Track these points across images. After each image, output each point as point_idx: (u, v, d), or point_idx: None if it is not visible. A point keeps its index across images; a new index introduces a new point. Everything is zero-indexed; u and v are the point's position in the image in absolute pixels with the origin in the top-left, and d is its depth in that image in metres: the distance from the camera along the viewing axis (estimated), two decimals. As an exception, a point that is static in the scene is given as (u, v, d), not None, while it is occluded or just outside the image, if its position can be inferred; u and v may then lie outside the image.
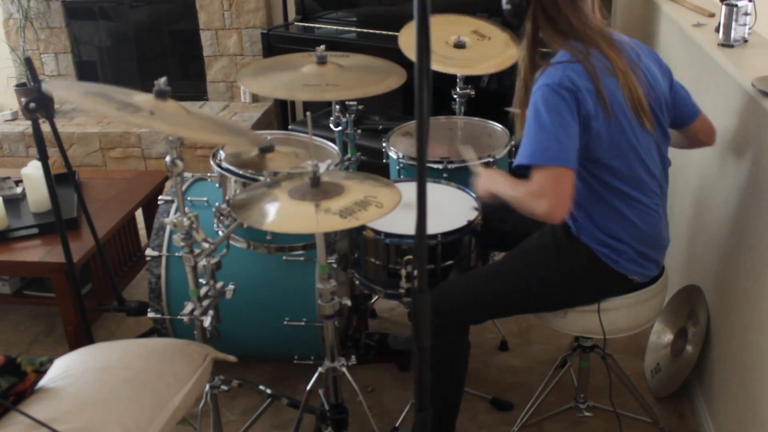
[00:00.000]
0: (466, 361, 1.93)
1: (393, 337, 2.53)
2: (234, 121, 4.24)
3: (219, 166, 2.08)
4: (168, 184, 3.10)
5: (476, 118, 2.60)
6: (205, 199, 2.29)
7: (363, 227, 1.94)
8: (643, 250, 1.81)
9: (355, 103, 2.36)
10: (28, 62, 2.21)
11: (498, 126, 2.52)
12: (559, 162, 1.63)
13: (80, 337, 2.51)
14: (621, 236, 1.79)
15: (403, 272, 1.89)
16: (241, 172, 2.03)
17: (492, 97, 3.05)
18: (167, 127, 1.50)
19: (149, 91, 1.62)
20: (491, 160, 2.30)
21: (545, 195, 1.63)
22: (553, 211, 1.64)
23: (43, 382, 1.53)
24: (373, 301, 2.71)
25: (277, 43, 3.80)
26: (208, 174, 2.38)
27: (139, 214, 3.10)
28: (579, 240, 1.83)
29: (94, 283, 2.77)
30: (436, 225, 1.92)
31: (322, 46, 2.13)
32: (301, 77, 2.08)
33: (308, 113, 1.73)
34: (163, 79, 1.62)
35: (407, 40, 2.34)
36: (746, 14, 2.11)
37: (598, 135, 1.68)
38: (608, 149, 1.70)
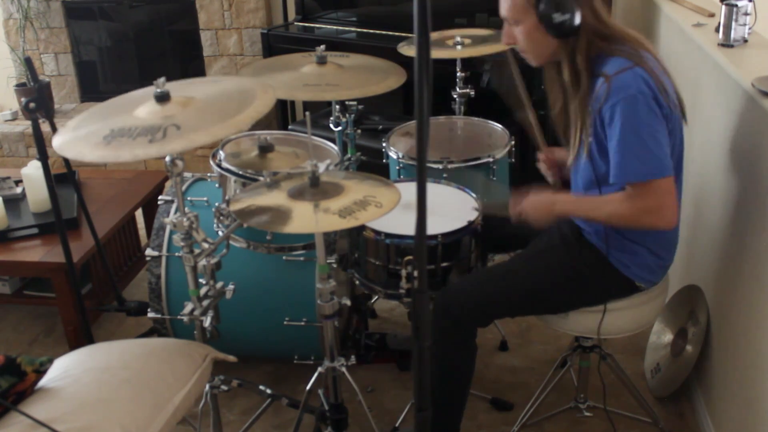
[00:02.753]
0: (472, 364, 1.93)
1: (392, 336, 2.54)
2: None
3: (219, 166, 2.08)
4: (168, 184, 3.10)
5: (476, 118, 2.60)
6: (205, 199, 2.29)
7: (363, 227, 1.94)
8: (660, 254, 1.81)
9: (355, 103, 2.36)
10: (28, 62, 2.21)
11: (498, 126, 2.52)
12: (661, 174, 1.62)
13: (80, 337, 2.51)
14: (642, 239, 1.78)
15: (403, 272, 1.89)
16: (241, 172, 2.03)
17: (492, 97, 3.05)
18: (203, 136, 1.49)
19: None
20: (491, 160, 2.30)
21: (658, 208, 1.64)
22: (668, 222, 1.65)
23: (43, 382, 1.53)
24: (373, 301, 2.71)
25: (277, 43, 3.80)
26: (208, 174, 2.38)
27: (139, 214, 3.10)
28: (589, 243, 1.83)
29: (94, 283, 2.76)
30: (436, 225, 1.92)
31: (322, 46, 2.13)
32: (301, 77, 2.08)
33: (307, 113, 1.73)
34: (161, 80, 1.62)
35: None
36: (746, 14, 2.11)
37: (673, 134, 1.68)
38: (673, 148, 1.70)
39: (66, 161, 2.51)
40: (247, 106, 1.58)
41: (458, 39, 2.47)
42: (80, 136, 1.57)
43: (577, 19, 1.63)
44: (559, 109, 1.84)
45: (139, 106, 1.62)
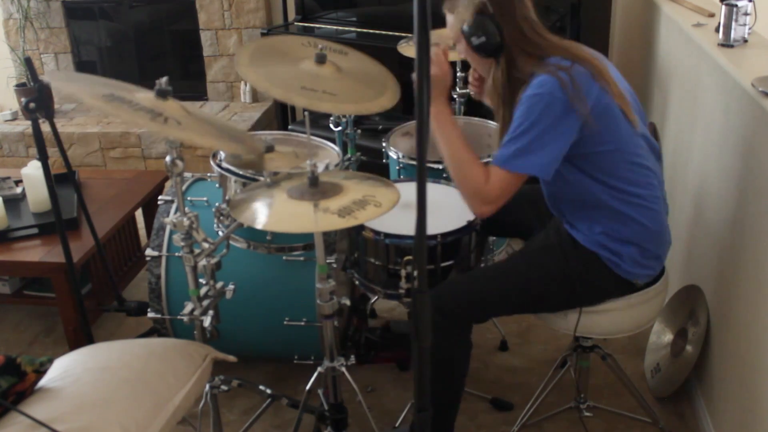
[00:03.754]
0: (467, 361, 1.93)
1: (395, 322, 2.53)
2: (233, 122, 4.25)
3: (219, 166, 2.08)
4: (168, 184, 3.10)
5: (476, 118, 2.60)
6: (205, 199, 2.29)
7: (363, 227, 1.94)
8: (647, 247, 1.82)
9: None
10: (28, 62, 2.21)
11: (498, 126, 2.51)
12: (522, 170, 1.70)
13: (80, 337, 2.51)
14: (627, 236, 1.79)
15: (403, 272, 1.89)
16: (241, 173, 2.03)
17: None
18: (204, 139, 1.49)
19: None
20: (491, 160, 2.29)
21: (495, 201, 1.73)
22: (484, 213, 1.76)
23: (43, 382, 1.53)
24: (373, 301, 2.71)
25: (277, 43, 3.80)
26: (208, 174, 2.38)
27: (139, 214, 3.09)
28: (582, 245, 1.83)
29: (94, 283, 2.76)
30: (436, 225, 1.92)
31: (321, 46, 2.12)
32: (298, 76, 2.06)
33: (306, 113, 1.73)
34: (164, 79, 1.62)
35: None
36: (746, 14, 2.11)
37: (589, 138, 1.70)
38: (600, 151, 1.73)
39: (66, 161, 2.51)
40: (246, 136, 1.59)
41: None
42: (79, 85, 1.55)
43: (497, 39, 1.71)
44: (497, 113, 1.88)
45: (140, 93, 1.62)
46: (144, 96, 1.60)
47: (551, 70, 1.67)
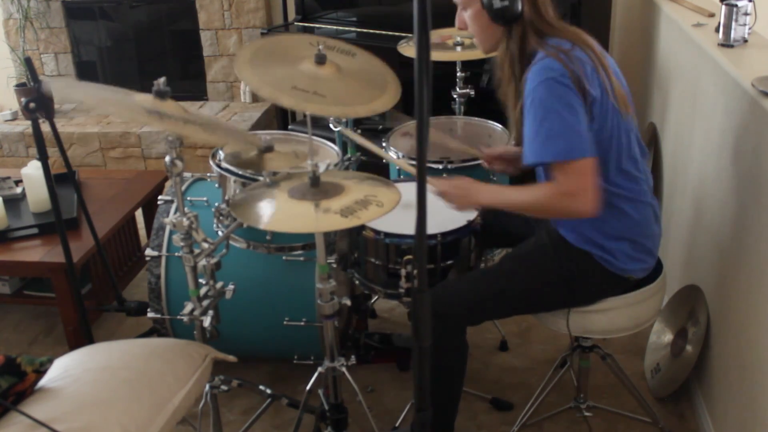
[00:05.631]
0: (464, 362, 1.93)
1: (398, 335, 2.54)
2: (233, 122, 4.25)
3: (219, 166, 2.08)
4: (168, 184, 3.10)
5: (476, 118, 2.60)
6: (204, 199, 2.29)
7: (362, 227, 1.94)
8: (639, 241, 1.82)
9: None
10: (28, 62, 2.21)
11: (498, 126, 2.52)
12: (582, 154, 1.64)
13: (80, 337, 2.51)
14: (619, 231, 1.79)
15: (403, 272, 1.89)
16: (240, 172, 2.03)
17: (492, 97, 3.05)
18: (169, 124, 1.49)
19: (148, 91, 1.62)
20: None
21: (580, 191, 1.64)
22: (591, 206, 1.65)
23: (43, 382, 1.53)
24: (373, 301, 2.71)
25: (277, 43, 3.80)
26: (208, 174, 2.38)
27: (139, 214, 3.10)
28: (573, 245, 1.83)
29: (94, 283, 2.77)
30: (436, 225, 1.92)
31: (321, 45, 2.11)
32: (294, 76, 2.04)
33: (308, 112, 1.73)
34: (162, 79, 1.62)
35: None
36: (746, 14, 2.11)
37: (595, 121, 1.69)
38: (599, 136, 1.71)
39: (66, 161, 2.51)
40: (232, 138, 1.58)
41: (458, 39, 2.47)
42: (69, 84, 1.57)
43: (518, 7, 1.70)
44: (503, 95, 1.88)
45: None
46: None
47: (552, 53, 1.66)
